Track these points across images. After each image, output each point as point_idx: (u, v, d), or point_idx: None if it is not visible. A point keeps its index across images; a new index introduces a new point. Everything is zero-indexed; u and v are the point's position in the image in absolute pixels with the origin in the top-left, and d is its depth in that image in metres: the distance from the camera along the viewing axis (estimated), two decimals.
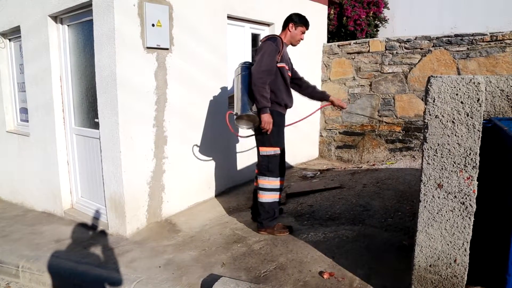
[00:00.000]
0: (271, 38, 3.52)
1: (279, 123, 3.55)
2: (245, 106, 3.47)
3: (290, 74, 3.70)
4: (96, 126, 4.13)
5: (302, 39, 3.74)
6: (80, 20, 4.26)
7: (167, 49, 4.06)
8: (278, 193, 3.65)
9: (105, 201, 4.10)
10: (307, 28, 3.72)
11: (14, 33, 5.35)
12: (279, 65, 3.49)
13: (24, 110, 5.50)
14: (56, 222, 4.61)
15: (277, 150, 3.53)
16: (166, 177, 4.20)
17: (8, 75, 5.70)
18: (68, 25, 4.49)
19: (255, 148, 3.70)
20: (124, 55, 3.69)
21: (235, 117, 3.55)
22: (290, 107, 3.72)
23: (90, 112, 4.38)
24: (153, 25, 3.86)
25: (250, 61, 3.74)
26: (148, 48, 3.88)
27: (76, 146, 4.68)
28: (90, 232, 4.18)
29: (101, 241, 3.87)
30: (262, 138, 3.53)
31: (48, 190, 4.96)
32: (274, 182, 3.56)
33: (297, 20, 3.64)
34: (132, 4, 3.71)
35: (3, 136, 5.81)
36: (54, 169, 4.76)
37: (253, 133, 3.69)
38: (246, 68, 3.59)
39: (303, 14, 3.72)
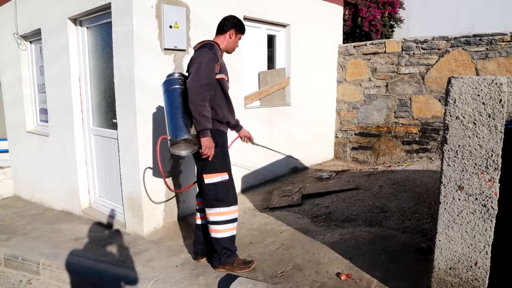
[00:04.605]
0: (207, 45, 2.97)
1: (222, 143, 3.05)
2: (181, 128, 2.86)
3: (229, 85, 3.19)
4: (114, 126, 4.19)
5: (237, 46, 3.29)
6: (99, 22, 4.33)
7: (184, 50, 4.10)
8: (235, 224, 3.10)
9: (123, 200, 4.15)
10: (243, 35, 3.26)
11: (34, 36, 5.46)
12: (218, 76, 2.97)
13: (44, 111, 5.61)
14: (75, 221, 4.69)
15: (224, 176, 3.01)
16: (183, 177, 4.24)
17: (28, 76, 5.82)
18: (87, 27, 4.56)
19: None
20: (142, 57, 3.74)
21: (169, 143, 2.91)
22: (232, 124, 3.26)
23: (108, 113, 4.44)
24: (170, 26, 3.90)
25: (178, 71, 3.17)
26: (165, 49, 3.93)
27: (94, 146, 4.75)
28: (107, 231, 4.24)
29: (118, 240, 3.92)
30: (204, 164, 2.99)
31: (66, 189, 5.05)
32: (228, 212, 3.02)
33: (239, 27, 3.15)
34: (150, 6, 3.76)
35: (23, 136, 5.93)
36: (73, 169, 4.84)
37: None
38: (176, 81, 3.01)
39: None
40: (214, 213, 3.01)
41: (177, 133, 2.85)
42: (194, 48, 3.08)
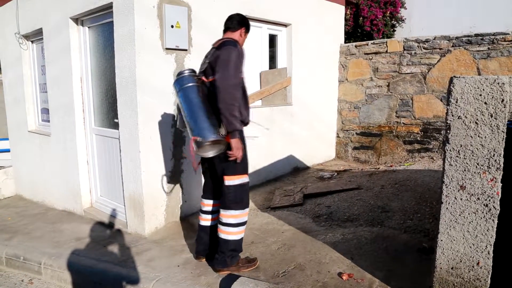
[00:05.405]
0: (230, 42, 2.84)
1: (244, 145, 2.97)
2: (209, 128, 2.70)
3: None
4: (115, 126, 4.19)
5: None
6: (101, 22, 4.33)
7: (185, 50, 4.09)
8: (245, 226, 3.07)
9: (124, 200, 4.16)
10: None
11: (36, 35, 5.46)
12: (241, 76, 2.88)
13: (45, 111, 5.61)
14: (76, 221, 4.69)
15: (244, 178, 2.96)
16: (184, 177, 4.24)
17: (30, 76, 5.82)
18: (88, 27, 4.57)
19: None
20: (144, 56, 3.74)
21: (197, 144, 2.74)
22: (248, 124, 3.13)
23: (109, 113, 4.45)
24: (172, 26, 3.91)
25: (188, 68, 3.06)
26: (167, 49, 3.93)
27: (95, 146, 4.75)
28: (109, 231, 4.24)
29: (120, 240, 3.92)
30: (227, 165, 2.90)
31: (68, 189, 5.05)
32: (242, 215, 2.98)
33: (247, 26, 3.07)
34: (152, 6, 3.76)
35: (25, 135, 5.93)
36: (74, 169, 4.84)
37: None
38: (190, 78, 2.85)
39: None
40: (230, 215, 2.94)
41: (204, 133, 2.68)
42: (213, 45, 2.96)
